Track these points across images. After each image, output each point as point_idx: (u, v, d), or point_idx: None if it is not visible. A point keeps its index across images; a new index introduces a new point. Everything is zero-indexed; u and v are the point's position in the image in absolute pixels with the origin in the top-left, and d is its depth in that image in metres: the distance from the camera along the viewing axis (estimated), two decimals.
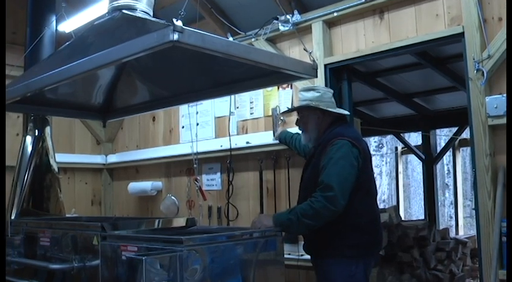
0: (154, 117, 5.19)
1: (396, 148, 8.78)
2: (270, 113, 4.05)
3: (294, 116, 3.92)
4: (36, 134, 3.95)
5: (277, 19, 3.84)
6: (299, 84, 3.86)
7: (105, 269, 2.50)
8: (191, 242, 2.23)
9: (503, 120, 2.81)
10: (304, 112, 3.01)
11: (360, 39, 3.61)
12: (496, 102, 2.84)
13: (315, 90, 2.98)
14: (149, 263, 2.04)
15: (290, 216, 2.64)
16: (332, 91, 3.11)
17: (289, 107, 3.97)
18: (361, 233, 2.73)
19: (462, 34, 3.01)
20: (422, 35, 3.25)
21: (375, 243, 2.87)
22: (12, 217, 3.67)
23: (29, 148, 3.90)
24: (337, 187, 2.56)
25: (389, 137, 8.83)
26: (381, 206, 9.55)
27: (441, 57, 4.51)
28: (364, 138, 3.08)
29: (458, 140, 7.10)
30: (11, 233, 3.27)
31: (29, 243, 3.11)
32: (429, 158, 6.87)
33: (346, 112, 3.07)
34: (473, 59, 2.92)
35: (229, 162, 4.24)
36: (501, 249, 2.78)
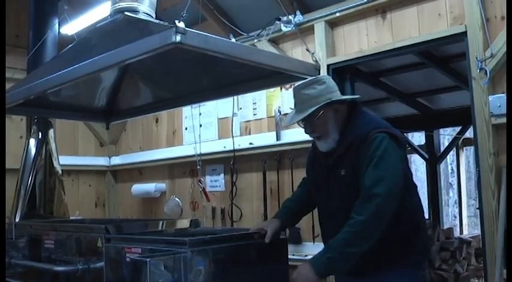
0: (157, 119, 5.20)
1: None
2: (273, 114, 4.05)
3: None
4: (40, 136, 3.96)
5: (279, 20, 3.84)
6: None
7: (110, 271, 2.50)
8: (195, 243, 2.23)
9: None
10: (316, 114, 2.34)
11: (363, 39, 3.60)
12: (499, 101, 2.83)
13: (316, 82, 2.37)
14: (153, 265, 2.04)
15: (329, 255, 2.15)
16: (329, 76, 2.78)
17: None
18: (422, 235, 2.41)
19: (465, 33, 3.00)
20: (425, 35, 3.25)
21: (430, 244, 2.68)
22: (17, 219, 3.68)
23: (33, 151, 3.91)
24: (383, 192, 2.13)
25: None
26: None
27: (444, 56, 4.49)
28: None
29: (461, 139, 7.07)
30: (16, 236, 3.27)
31: (33, 246, 3.11)
32: (433, 157, 6.85)
33: (358, 96, 2.62)
34: (476, 58, 2.91)
35: (233, 163, 4.24)
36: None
